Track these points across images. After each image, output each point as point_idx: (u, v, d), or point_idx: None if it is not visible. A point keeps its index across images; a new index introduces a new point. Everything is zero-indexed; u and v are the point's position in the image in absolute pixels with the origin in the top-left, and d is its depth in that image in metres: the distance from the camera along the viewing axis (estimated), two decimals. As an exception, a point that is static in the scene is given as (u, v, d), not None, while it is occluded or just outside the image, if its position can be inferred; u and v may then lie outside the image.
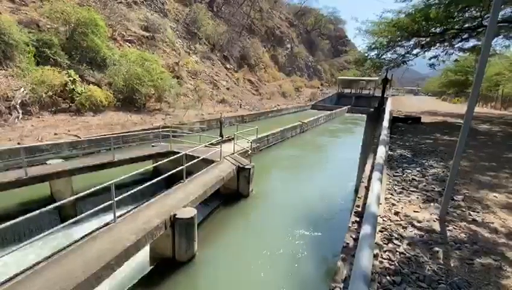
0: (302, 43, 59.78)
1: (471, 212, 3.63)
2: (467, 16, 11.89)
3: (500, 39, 14.66)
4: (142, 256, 5.40)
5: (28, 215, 3.54)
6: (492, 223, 3.38)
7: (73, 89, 14.30)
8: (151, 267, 5.58)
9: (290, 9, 63.61)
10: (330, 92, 48.98)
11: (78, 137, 11.67)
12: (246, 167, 8.74)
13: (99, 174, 7.82)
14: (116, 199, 4.81)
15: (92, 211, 4.53)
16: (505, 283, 2.37)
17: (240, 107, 27.77)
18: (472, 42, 14.60)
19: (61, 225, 4.22)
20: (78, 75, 14.99)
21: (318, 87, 52.24)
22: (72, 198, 4.57)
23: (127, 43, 21.92)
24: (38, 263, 3.84)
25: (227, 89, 30.03)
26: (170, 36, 27.50)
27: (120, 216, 5.12)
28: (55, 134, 11.62)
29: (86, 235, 4.54)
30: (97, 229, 4.71)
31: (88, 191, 4.43)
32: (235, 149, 10.17)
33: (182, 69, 25.28)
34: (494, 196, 4.17)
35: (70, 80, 14.35)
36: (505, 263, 2.63)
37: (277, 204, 8.81)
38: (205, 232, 6.78)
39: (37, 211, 3.65)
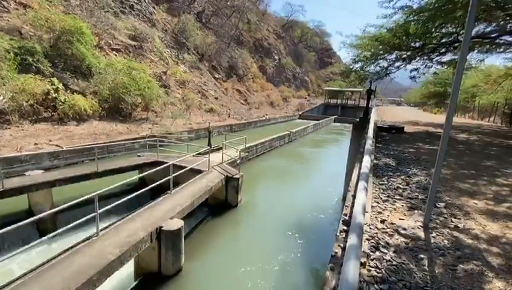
0: (289, 55, 61.14)
1: (453, 219, 3.75)
2: (443, 31, 12.62)
3: (475, 54, 15.60)
4: (126, 271, 5.18)
5: (3, 230, 3.34)
6: (473, 229, 3.50)
7: (55, 98, 13.91)
8: (136, 282, 5.36)
9: (277, 21, 65.19)
10: (317, 102, 50.00)
11: (60, 147, 11.27)
12: (235, 176, 8.68)
13: (82, 186, 7.54)
14: (99, 211, 4.64)
15: (73, 224, 4.35)
16: (487, 288, 2.44)
17: (229, 116, 27.80)
18: (449, 56, 15.47)
19: (40, 240, 4.02)
20: (61, 84, 14.60)
21: (305, 98, 53.24)
22: (51, 211, 4.36)
23: (114, 52, 21.68)
24: (13, 280, 3.60)
25: (216, 98, 30.09)
26: (158, 46, 27.46)
27: (103, 229, 4.92)
28: (36, 144, 11.17)
29: (66, 249, 4.33)
30: (78, 243, 4.50)
31: (69, 204, 4.25)
32: (224, 159, 10.11)
33: (170, 78, 25.18)
34: (474, 203, 4.33)
35: (53, 88, 13.95)
36: (486, 268, 2.72)
37: (266, 214, 8.75)
38: (193, 244, 6.61)
39: (14, 226, 3.45)
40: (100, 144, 12.11)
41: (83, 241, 4.56)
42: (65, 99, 14.18)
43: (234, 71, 38.84)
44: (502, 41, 12.92)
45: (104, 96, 16.44)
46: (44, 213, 4.15)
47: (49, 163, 10.55)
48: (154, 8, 31.46)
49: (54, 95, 13.87)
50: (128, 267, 5.15)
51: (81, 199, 4.40)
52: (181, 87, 26.18)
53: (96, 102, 15.87)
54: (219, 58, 36.93)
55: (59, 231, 4.25)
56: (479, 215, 3.88)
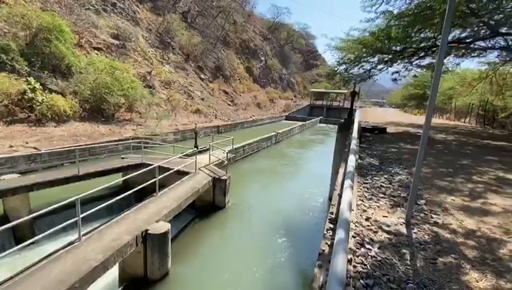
0: (275, 56, 61.59)
1: (433, 215, 3.92)
2: (422, 36, 13.17)
3: (452, 58, 16.38)
4: (111, 276, 5.03)
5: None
6: (451, 224, 3.67)
7: (32, 98, 13.27)
8: (121, 287, 5.21)
9: (263, 23, 65.53)
10: (303, 103, 50.67)
11: (38, 149, 10.76)
12: (222, 178, 8.63)
13: (63, 190, 7.24)
14: (81, 216, 4.48)
15: (52, 229, 4.17)
16: (464, 279, 2.57)
17: (215, 117, 27.62)
18: (428, 60, 16.17)
19: (16, 247, 3.82)
20: (39, 83, 13.96)
21: (291, 99, 53.82)
22: (29, 217, 4.16)
23: (95, 51, 20.98)
24: (-14, 291, 3.41)
25: (202, 99, 29.80)
26: (142, 45, 26.87)
27: (86, 234, 4.75)
28: (11, 146, 10.61)
29: (46, 256, 4.14)
30: (59, 249, 4.32)
31: (49, 208, 4.08)
32: (211, 160, 10.04)
33: (155, 78, 24.69)
34: (452, 199, 4.55)
35: (29, 88, 13.32)
36: (463, 260, 2.86)
37: (254, 215, 8.76)
38: (180, 247, 6.51)
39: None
40: (81, 146, 11.68)
41: (64, 247, 4.38)
42: (43, 99, 13.57)
43: (220, 72, 38.63)
44: (475, 46, 13.66)
45: (85, 97, 15.88)
46: (21, 219, 3.96)
47: (25, 166, 10.06)
48: (137, 6, 30.77)
49: (30, 95, 13.24)
50: (113, 273, 5.01)
51: (62, 203, 4.23)
52: (166, 88, 25.73)
53: (76, 102, 15.30)
54: (205, 59, 36.64)
55: (38, 237, 4.08)
56: (457, 211, 4.08)
